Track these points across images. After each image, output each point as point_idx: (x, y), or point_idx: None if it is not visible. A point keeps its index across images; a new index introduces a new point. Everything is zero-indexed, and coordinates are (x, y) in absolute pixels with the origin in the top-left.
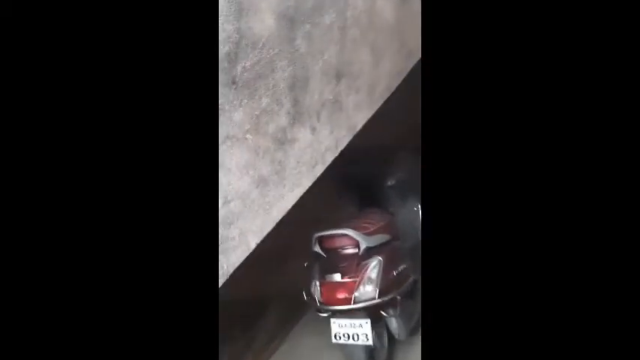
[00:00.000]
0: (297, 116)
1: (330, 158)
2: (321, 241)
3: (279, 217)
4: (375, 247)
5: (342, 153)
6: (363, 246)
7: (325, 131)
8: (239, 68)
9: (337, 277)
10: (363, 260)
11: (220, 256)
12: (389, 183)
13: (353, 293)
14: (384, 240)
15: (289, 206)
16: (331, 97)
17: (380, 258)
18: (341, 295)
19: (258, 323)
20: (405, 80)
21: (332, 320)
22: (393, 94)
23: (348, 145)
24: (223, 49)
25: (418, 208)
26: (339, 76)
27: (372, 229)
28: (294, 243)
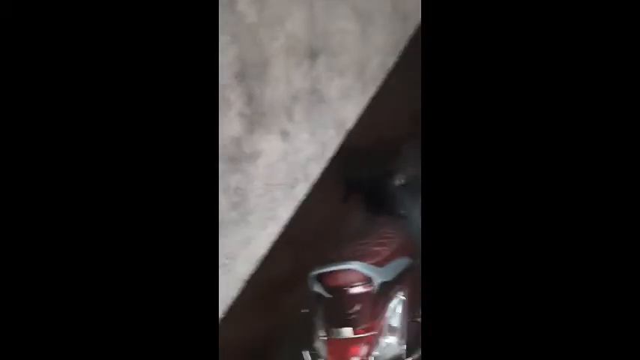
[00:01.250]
0: (255, 118)
1: (316, 171)
2: (321, 278)
3: (246, 275)
4: (393, 280)
5: (333, 159)
6: (377, 281)
7: (303, 135)
8: None
9: (348, 331)
10: (381, 300)
11: None
12: (398, 182)
13: (371, 353)
14: (403, 266)
15: (259, 256)
16: (306, 86)
17: (402, 295)
18: (355, 358)
19: None
20: (403, 54)
21: None
22: (389, 73)
23: (339, 148)
24: None
25: None
26: (313, 55)
27: (386, 254)
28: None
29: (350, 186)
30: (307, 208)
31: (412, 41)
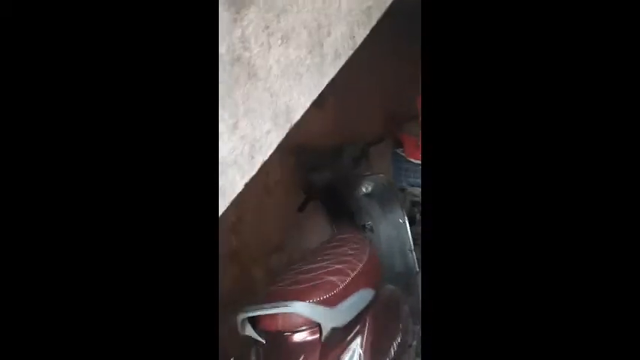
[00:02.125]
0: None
1: (238, 185)
2: (254, 321)
3: None
4: (348, 323)
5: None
6: (326, 328)
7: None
8: None
9: None
10: (331, 353)
11: None
12: (364, 190)
13: None
14: (363, 303)
15: None
16: (234, 55)
17: (358, 345)
18: None
19: None
20: (380, 21)
21: None
22: (359, 47)
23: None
24: None
25: (404, 221)
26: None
27: (343, 286)
28: None
29: (308, 192)
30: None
31: (394, 4)
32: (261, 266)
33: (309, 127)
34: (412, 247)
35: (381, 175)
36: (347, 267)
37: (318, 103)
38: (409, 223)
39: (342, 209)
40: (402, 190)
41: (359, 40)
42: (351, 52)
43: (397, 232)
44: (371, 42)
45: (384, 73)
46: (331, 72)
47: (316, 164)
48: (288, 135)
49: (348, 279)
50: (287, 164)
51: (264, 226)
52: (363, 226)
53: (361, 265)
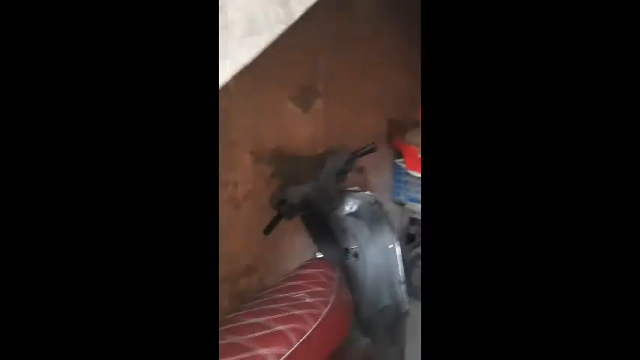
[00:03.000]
0: None
1: None
2: None
3: None
4: None
5: None
6: None
7: None
8: None
9: None
10: None
11: None
12: (348, 208)
13: None
14: None
15: None
16: None
17: None
18: None
19: None
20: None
21: None
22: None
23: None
24: None
25: (395, 246)
26: None
27: (295, 346)
28: None
29: (279, 210)
30: None
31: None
32: (226, 291)
33: (294, 132)
34: (403, 279)
35: (368, 193)
36: (312, 310)
37: (305, 106)
38: (407, 241)
39: (323, 229)
40: (401, 205)
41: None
42: (301, 13)
43: (386, 259)
44: (369, 39)
45: (384, 74)
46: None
47: (293, 175)
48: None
49: (308, 327)
50: (260, 174)
51: (231, 245)
52: (346, 250)
53: (329, 304)
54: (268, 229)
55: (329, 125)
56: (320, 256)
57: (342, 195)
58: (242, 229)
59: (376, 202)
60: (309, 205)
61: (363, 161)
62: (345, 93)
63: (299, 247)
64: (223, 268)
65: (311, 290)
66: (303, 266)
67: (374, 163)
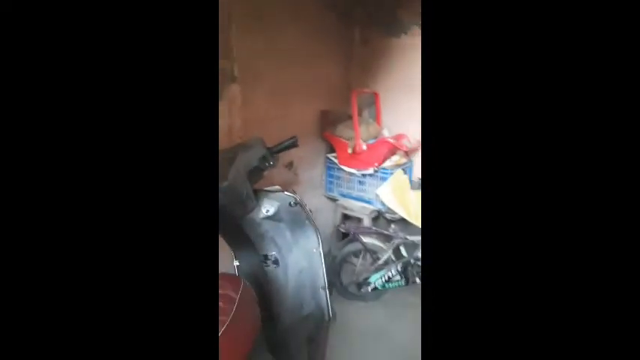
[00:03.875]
0: None
1: None
2: None
3: None
4: None
5: None
6: None
7: None
8: None
9: None
10: None
11: None
12: (264, 211)
13: None
14: None
15: None
16: None
17: None
18: None
19: None
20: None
21: None
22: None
23: None
24: None
25: (318, 248)
26: None
27: None
28: None
29: None
30: None
31: None
32: None
33: None
34: (325, 285)
35: (287, 193)
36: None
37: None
38: (339, 238)
39: (238, 235)
40: (334, 200)
41: None
42: None
43: (309, 264)
44: (294, 13)
45: (314, 59)
46: None
47: None
48: None
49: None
50: None
51: None
52: (265, 257)
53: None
54: None
55: (248, 115)
56: (236, 263)
57: (256, 196)
58: None
59: (297, 202)
60: (221, 208)
61: (292, 155)
62: (267, 79)
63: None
64: None
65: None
66: None
67: (306, 158)
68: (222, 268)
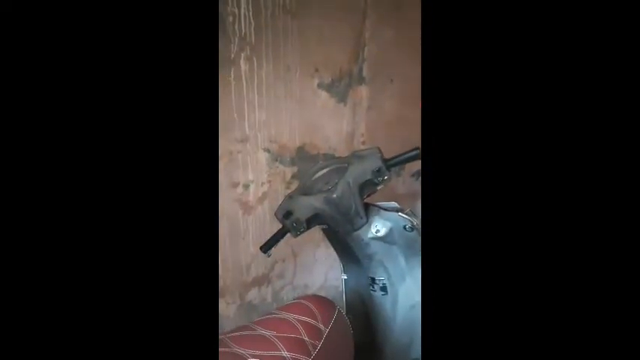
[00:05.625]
0: None
1: None
2: None
3: None
4: None
5: None
6: None
7: None
8: None
9: None
10: None
11: None
12: (373, 231)
13: None
14: None
15: None
16: None
17: None
18: None
19: None
20: None
21: None
22: None
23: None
24: None
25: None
26: None
27: None
28: None
29: (283, 224)
30: None
31: None
32: (230, 301)
33: (325, 128)
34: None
35: (402, 215)
36: None
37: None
38: None
39: (346, 249)
40: None
41: None
42: None
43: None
44: None
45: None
46: None
47: (308, 183)
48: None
49: None
50: (279, 175)
51: (239, 252)
52: (373, 280)
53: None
54: (266, 246)
55: (374, 118)
56: (344, 277)
57: (367, 212)
58: (254, 235)
59: (413, 227)
60: (322, 221)
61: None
62: (398, 77)
63: (323, 260)
64: (229, 276)
65: (289, 331)
66: (289, 306)
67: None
68: (332, 280)
